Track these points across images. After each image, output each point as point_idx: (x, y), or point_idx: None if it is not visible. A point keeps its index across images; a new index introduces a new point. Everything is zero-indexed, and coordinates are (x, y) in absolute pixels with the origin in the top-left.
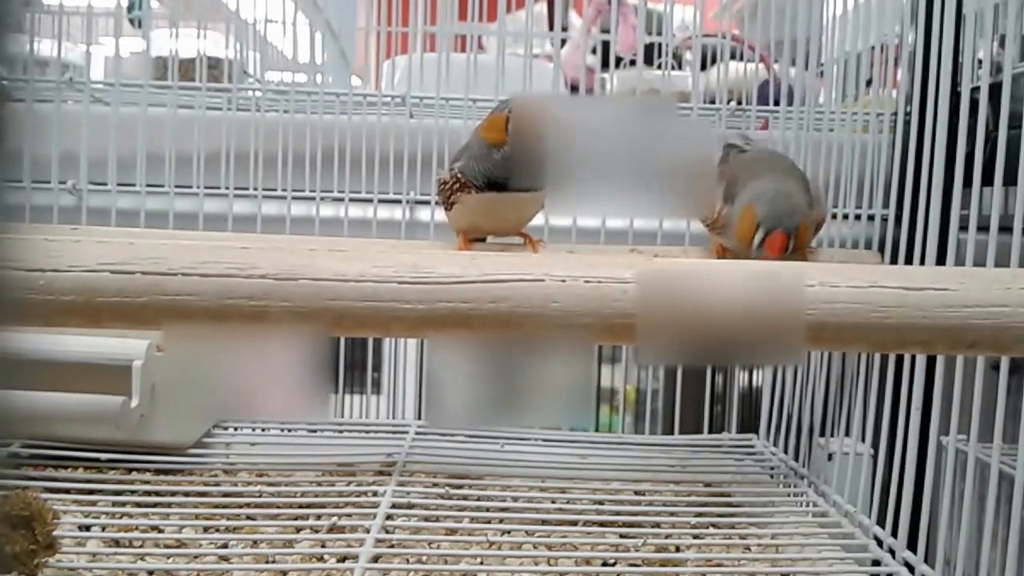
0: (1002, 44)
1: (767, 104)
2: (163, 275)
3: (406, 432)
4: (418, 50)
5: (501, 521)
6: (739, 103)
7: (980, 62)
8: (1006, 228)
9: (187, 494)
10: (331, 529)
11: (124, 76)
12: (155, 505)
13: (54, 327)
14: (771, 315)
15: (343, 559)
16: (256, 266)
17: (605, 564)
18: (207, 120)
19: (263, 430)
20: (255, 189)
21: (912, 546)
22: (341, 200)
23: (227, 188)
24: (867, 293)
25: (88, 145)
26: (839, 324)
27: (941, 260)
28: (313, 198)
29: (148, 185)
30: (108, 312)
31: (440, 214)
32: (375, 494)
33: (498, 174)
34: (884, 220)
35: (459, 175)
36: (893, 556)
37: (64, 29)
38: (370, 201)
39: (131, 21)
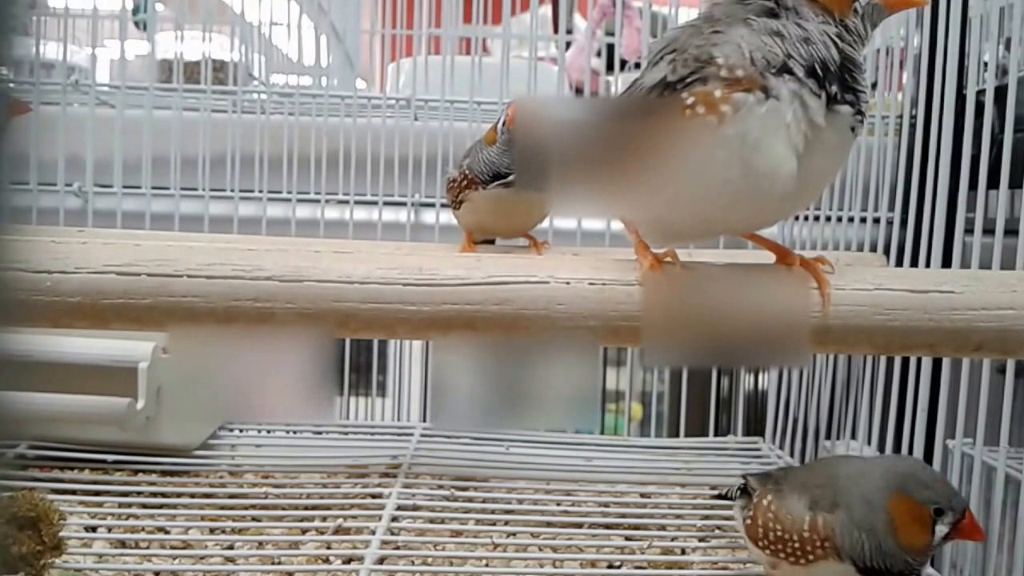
0: (1007, 47)
1: None
2: (169, 277)
3: (411, 434)
4: (423, 53)
5: (506, 523)
6: None
7: (986, 65)
8: (1012, 231)
9: (193, 495)
10: (337, 531)
11: (129, 79)
12: (161, 506)
13: (60, 328)
14: (776, 318)
15: (349, 561)
16: (262, 268)
17: (611, 566)
18: (212, 123)
19: (268, 432)
20: (260, 191)
21: None
22: (346, 202)
23: (232, 190)
24: (872, 295)
25: (94, 148)
26: (844, 326)
27: (947, 263)
28: (318, 200)
29: (153, 187)
30: (114, 313)
31: (445, 216)
32: (380, 496)
33: (500, 169)
34: (889, 223)
35: (467, 171)
36: None
37: (69, 32)
38: (375, 203)
39: (136, 24)
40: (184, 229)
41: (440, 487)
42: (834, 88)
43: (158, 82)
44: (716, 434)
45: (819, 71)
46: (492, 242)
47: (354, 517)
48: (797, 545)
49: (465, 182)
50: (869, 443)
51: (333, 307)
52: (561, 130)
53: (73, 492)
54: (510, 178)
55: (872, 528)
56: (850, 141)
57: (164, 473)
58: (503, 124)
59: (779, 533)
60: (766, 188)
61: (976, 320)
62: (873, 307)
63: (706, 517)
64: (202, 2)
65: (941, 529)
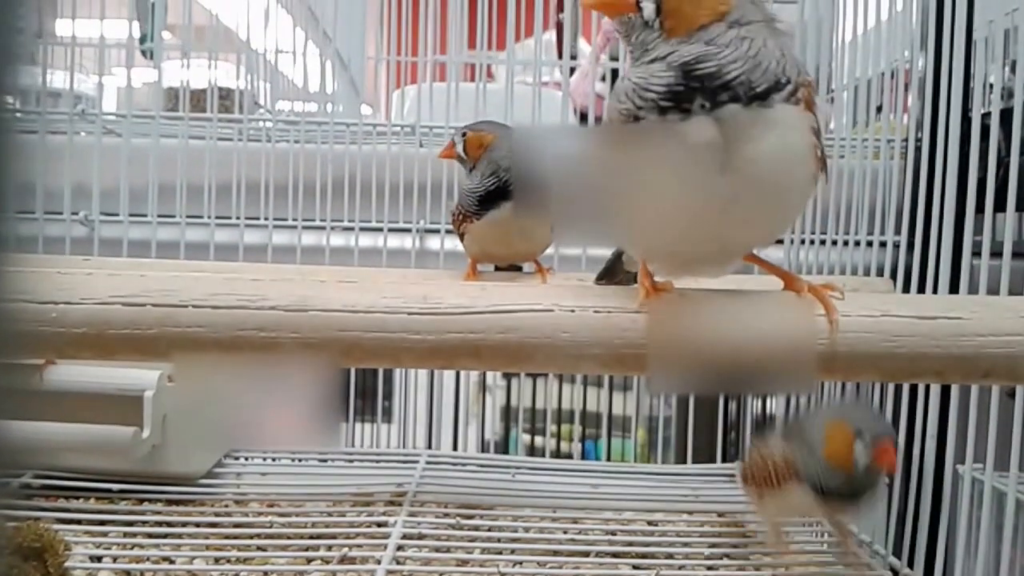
0: (1012, 69)
1: None
2: (174, 307)
3: (416, 461)
4: (427, 79)
5: (512, 552)
6: None
7: (991, 87)
8: (1019, 254)
9: (198, 525)
10: (342, 560)
11: (136, 106)
12: (166, 536)
13: (66, 359)
14: (782, 345)
15: None
16: (267, 298)
17: None
18: (218, 151)
19: (274, 460)
20: (266, 219)
21: None
22: (351, 229)
23: (238, 218)
24: (879, 322)
25: (100, 176)
26: (851, 353)
27: (954, 286)
28: (324, 227)
29: (159, 216)
30: (120, 344)
31: (450, 242)
32: (386, 524)
33: (479, 192)
34: (896, 246)
35: (459, 206)
36: None
37: (76, 60)
38: (380, 230)
39: (143, 52)
40: (190, 257)
41: (446, 515)
42: (698, 100)
43: (164, 110)
44: (724, 460)
45: (671, 95)
46: (519, 268)
47: (359, 546)
48: (773, 475)
49: (461, 216)
50: None
51: (337, 336)
52: (557, 161)
53: (78, 522)
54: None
55: (812, 448)
56: (789, 114)
57: (169, 502)
58: (463, 149)
59: (761, 470)
60: (688, 215)
61: (984, 346)
62: (880, 333)
63: (714, 545)
64: (208, 30)
65: (859, 447)
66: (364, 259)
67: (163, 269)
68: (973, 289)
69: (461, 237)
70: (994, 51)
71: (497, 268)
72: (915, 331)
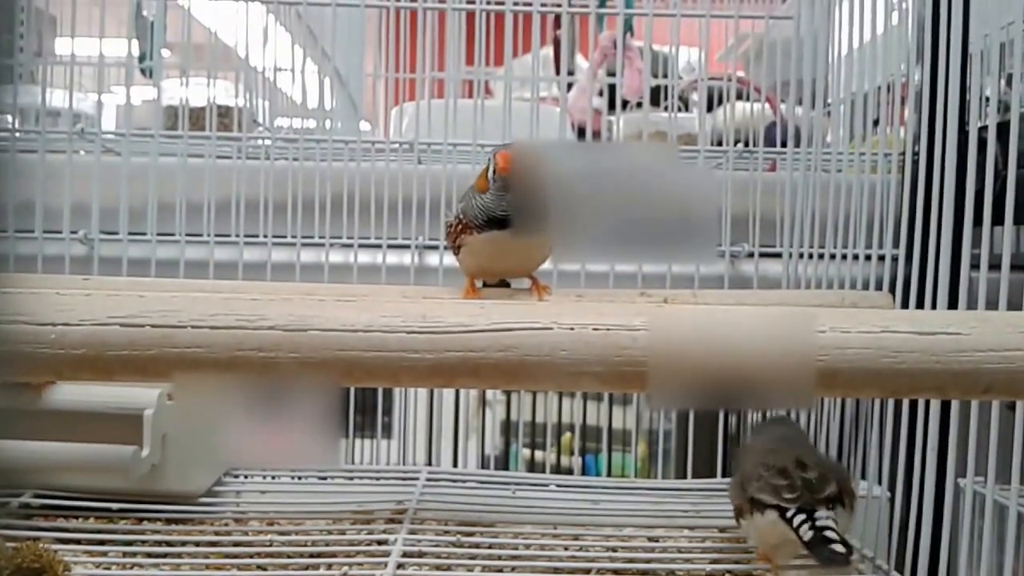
0: (1008, 83)
1: (774, 146)
2: (173, 328)
3: (416, 478)
4: (426, 96)
5: (513, 569)
6: (746, 144)
7: (987, 100)
8: (1018, 266)
9: (198, 543)
10: None
11: (135, 125)
12: (166, 555)
13: (65, 380)
14: (782, 361)
15: None
16: (265, 317)
17: None
18: (217, 168)
19: (273, 478)
20: (265, 236)
21: None
22: (350, 246)
23: (237, 236)
24: (878, 338)
25: (99, 195)
26: (851, 370)
27: (953, 299)
28: (323, 244)
29: (159, 234)
30: (118, 365)
31: (449, 258)
32: (386, 542)
33: (495, 213)
34: (894, 260)
35: (461, 216)
36: None
37: (76, 79)
38: (379, 247)
39: (142, 71)
40: (189, 275)
41: (446, 532)
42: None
43: (164, 129)
44: (724, 475)
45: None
46: (507, 284)
47: (360, 564)
48: None
49: (460, 227)
50: (880, 482)
51: (337, 356)
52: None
53: (78, 541)
54: (505, 223)
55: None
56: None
57: (169, 521)
58: (494, 171)
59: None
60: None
61: (984, 362)
62: (879, 350)
63: (716, 561)
64: (207, 48)
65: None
66: (363, 276)
67: (162, 288)
68: (972, 301)
69: (456, 250)
70: (990, 64)
71: (486, 284)
72: (915, 347)
